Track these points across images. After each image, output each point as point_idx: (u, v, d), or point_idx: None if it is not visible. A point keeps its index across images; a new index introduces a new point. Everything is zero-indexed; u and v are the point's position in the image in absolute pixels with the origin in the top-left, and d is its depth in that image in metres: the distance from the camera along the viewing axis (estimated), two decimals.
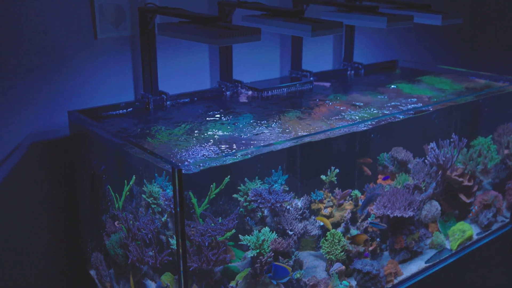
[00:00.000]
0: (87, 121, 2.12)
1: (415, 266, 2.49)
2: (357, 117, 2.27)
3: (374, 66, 3.26)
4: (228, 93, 2.61)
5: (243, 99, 2.56)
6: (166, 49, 2.48)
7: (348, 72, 3.12)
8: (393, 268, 2.39)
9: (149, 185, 2.05)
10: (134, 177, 2.07)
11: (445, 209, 2.72)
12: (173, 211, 1.86)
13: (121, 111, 2.32)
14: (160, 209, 2.09)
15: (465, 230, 2.66)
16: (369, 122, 2.24)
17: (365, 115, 2.32)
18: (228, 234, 2.10)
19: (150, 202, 2.04)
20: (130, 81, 2.44)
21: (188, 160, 1.77)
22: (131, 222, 2.02)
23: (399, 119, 2.34)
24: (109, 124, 2.18)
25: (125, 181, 2.07)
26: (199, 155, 1.82)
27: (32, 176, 2.25)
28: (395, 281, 2.37)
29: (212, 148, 1.91)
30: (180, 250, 1.65)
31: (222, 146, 1.94)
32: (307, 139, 2.02)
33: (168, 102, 2.42)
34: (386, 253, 2.51)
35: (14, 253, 2.26)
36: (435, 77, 3.11)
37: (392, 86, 2.86)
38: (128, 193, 2.06)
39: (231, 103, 2.51)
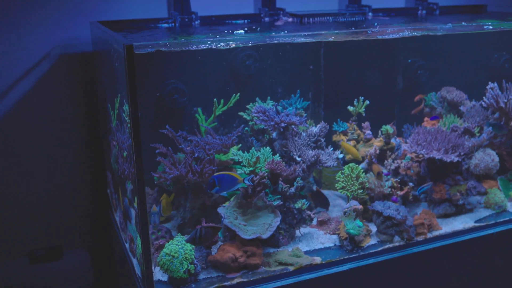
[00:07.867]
0: (104, 30, 2.07)
1: (459, 223, 2.11)
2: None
3: (454, 8, 2.84)
4: (266, 19, 2.43)
5: (279, 24, 2.36)
6: None
7: (419, 12, 2.75)
8: (427, 220, 2.04)
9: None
10: (119, 95, 1.99)
11: (510, 166, 2.28)
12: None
13: (143, 25, 2.24)
14: None
15: None
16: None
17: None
18: (233, 150, 1.94)
19: (128, 120, 1.94)
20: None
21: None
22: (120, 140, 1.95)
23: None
24: (122, 35, 2.11)
25: (116, 99, 2.00)
26: None
27: (60, 90, 2.26)
28: (429, 236, 2.03)
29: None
30: (133, 139, 1.52)
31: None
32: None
33: (197, 22, 2.30)
34: (424, 204, 2.18)
35: (41, 166, 2.30)
36: None
37: (472, 24, 2.45)
38: (117, 111, 1.98)
39: (264, 26, 2.32)
